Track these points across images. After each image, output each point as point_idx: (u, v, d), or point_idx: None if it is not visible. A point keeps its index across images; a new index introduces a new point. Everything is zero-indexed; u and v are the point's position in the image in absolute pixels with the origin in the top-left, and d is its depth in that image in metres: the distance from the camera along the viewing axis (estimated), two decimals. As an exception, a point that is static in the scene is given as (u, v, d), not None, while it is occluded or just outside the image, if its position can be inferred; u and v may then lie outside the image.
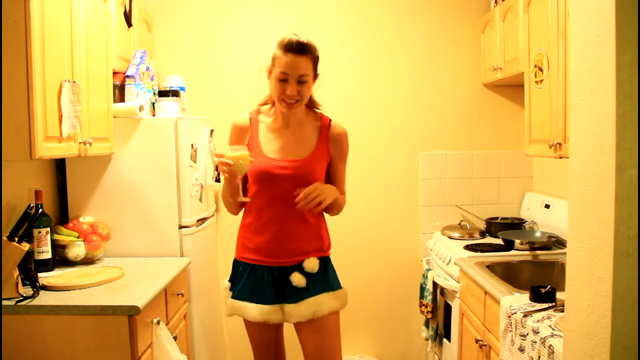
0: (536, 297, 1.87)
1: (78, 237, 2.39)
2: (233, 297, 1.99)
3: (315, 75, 1.94)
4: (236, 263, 2.04)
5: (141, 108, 2.57)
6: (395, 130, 3.36)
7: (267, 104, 2.05)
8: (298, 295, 1.92)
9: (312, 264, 1.94)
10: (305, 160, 1.94)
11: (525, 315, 1.77)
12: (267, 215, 1.94)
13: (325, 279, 1.98)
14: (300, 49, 1.84)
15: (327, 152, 2.00)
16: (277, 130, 1.98)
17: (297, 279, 1.92)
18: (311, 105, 2.03)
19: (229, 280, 2.07)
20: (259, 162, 1.92)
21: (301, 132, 1.99)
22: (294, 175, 1.90)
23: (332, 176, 2.05)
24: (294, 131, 1.98)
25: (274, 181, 1.91)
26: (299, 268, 1.94)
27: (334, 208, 2.03)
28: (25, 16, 1.81)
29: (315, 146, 1.98)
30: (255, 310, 1.93)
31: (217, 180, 3.07)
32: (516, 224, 3.06)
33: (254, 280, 1.95)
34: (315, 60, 1.90)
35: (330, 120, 2.03)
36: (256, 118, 2.02)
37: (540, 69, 2.34)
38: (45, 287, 2.01)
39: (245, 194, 1.99)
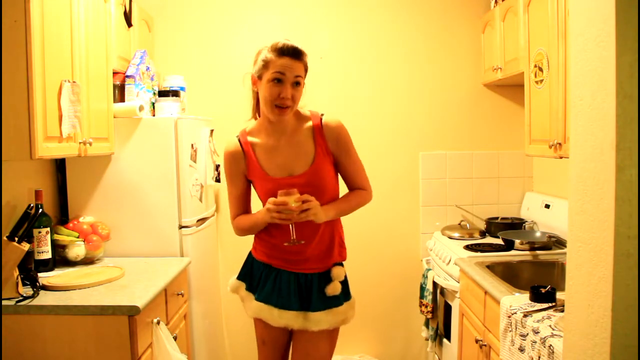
0: (536, 297, 1.87)
1: (78, 237, 2.39)
2: (258, 299, 1.94)
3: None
4: (256, 263, 1.99)
5: (141, 108, 2.57)
6: (395, 130, 3.36)
7: (254, 117, 1.98)
8: (325, 303, 1.91)
9: (339, 272, 1.95)
10: (311, 170, 1.89)
11: (525, 315, 1.77)
12: (281, 233, 1.89)
13: (346, 288, 1.99)
14: (295, 53, 1.81)
15: (328, 152, 1.93)
16: (273, 146, 1.91)
17: (333, 288, 1.91)
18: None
19: (241, 279, 2.02)
20: (266, 186, 1.89)
21: (297, 142, 1.92)
22: (304, 189, 1.83)
23: (344, 174, 2.00)
24: (290, 143, 1.91)
25: None
26: (327, 275, 1.94)
27: (346, 214, 1.98)
28: (25, 16, 1.81)
29: (314, 151, 1.90)
30: (279, 315, 1.90)
31: (217, 180, 3.07)
32: (516, 224, 3.06)
33: (279, 285, 1.92)
34: (306, 67, 1.87)
35: (321, 117, 1.94)
36: (246, 141, 1.94)
37: (540, 69, 2.34)
38: (45, 287, 2.01)
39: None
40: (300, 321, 1.90)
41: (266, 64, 1.82)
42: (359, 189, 2.01)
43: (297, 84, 1.83)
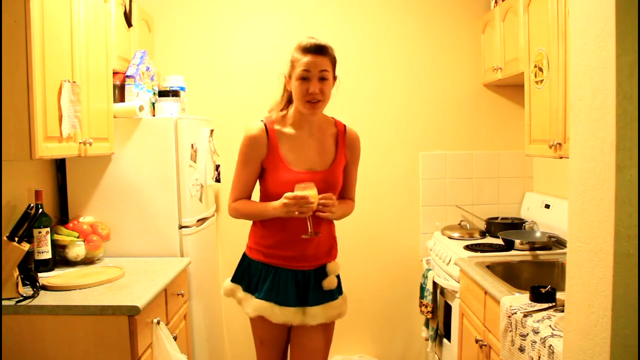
0: (536, 297, 1.87)
1: (78, 237, 2.39)
2: (259, 297, 1.95)
3: (334, 77, 1.96)
4: (253, 263, 2.01)
5: (141, 108, 2.57)
6: (395, 130, 3.36)
7: (280, 110, 2.01)
8: (322, 297, 1.96)
9: (335, 267, 2.01)
10: (330, 170, 1.97)
11: (525, 315, 1.77)
12: (293, 226, 1.92)
13: (339, 283, 2.05)
14: (318, 50, 1.88)
15: (344, 158, 2.03)
16: (299, 140, 1.96)
17: (330, 282, 1.97)
18: None
19: (236, 282, 2.04)
20: (286, 177, 1.91)
21: (322, 140, 1.99)
22: (319, 185, 1.87)
23: (345, 181, 2.05)
24: (316, 139, 1.98)
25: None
26: (322, 271, 1.99)
27: (341, 218, 2.06)
28: (25, 16, 1.81)
29: (335, 154, 2.00)
30: (280, 312, 1.93)
31: (217, 180, 3.07)
32: (516, 224, 3.06)
33: (278, 282, 1.95)
34: (333, 61, 1.94)
35: (344, 125, 2.05)
36: (273, 128, 1.96)
37: (540, 69, 2.34)
38: (45, 287, 2.01)
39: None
40: (300, 317, 1.94)
41: (293, 63, 1.90)
42: (349, 199, 2.11)
43: (323, 79, 1.89)
